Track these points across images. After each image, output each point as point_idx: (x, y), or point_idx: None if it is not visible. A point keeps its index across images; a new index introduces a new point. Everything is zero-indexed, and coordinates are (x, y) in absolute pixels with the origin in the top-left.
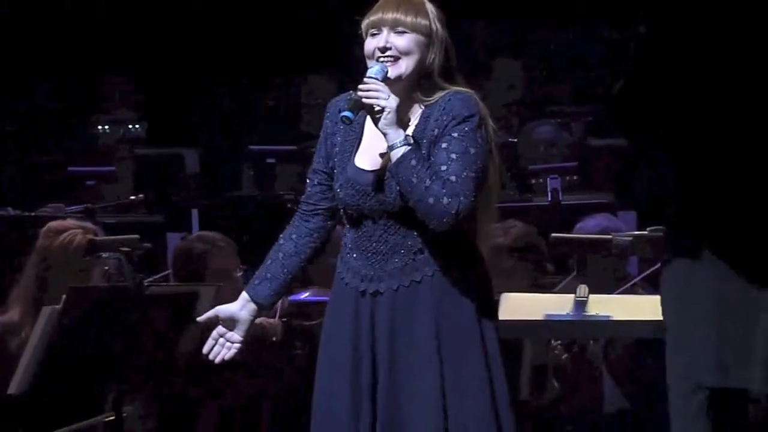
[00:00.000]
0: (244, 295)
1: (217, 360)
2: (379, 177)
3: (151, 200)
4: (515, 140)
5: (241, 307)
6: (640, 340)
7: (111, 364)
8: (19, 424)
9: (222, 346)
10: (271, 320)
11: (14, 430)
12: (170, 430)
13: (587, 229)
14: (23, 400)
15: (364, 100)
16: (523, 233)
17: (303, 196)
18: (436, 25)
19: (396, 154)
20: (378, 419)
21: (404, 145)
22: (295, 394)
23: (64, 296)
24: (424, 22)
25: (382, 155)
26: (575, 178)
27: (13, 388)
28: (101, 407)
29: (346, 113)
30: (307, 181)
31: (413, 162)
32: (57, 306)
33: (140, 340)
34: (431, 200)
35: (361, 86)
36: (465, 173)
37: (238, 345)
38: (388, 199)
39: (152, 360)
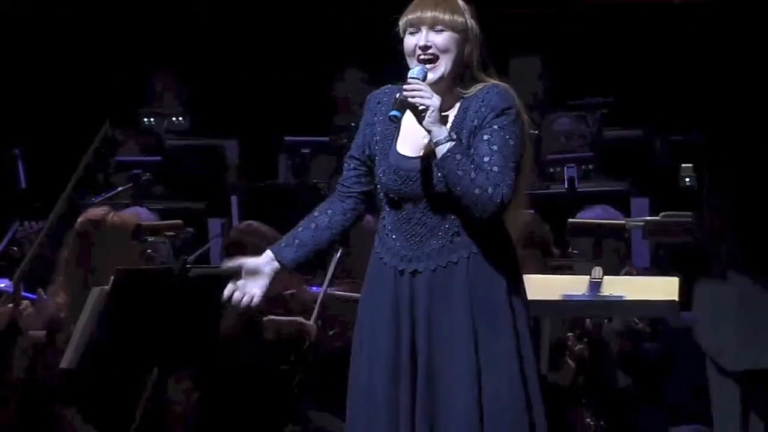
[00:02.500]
0: (269, 252)
1: (234, 303)
2: (420, 162)
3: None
4: (536, 132)
5: (265, 263)
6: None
7: (156, 342)
8: (69, 397)
9: (242, 294)
10: (309, 322)
11: (64, 402)
12: (211, 404)
13: (587, 218)
14: (74, 375)
15: (409, 99)
16: (529, 223)
17: (340, 179)
18: (471, 22)
19: (441, 150)
20: (417, 389)
21: (448, 141)
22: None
23: (112, 278)
24: (460, 19)
25: (422, 142)
26: (590, 166)
27: (64, 363)
28: (145, 382)
29: (394, 112)
30: (344, 165)
31: (458, 156)
32: (105, 287)
33: (184, 318)
34: (477, 191)
35: (405, 87)
36: (506, 164)
37: (255, 297)
38: (429, 183)
39: (195, 337)
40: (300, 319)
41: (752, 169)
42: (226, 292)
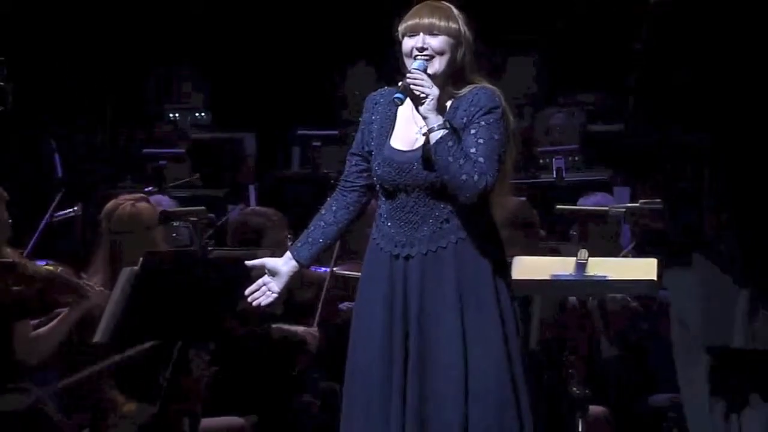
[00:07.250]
0: (287, 253)
1: (254, 303)
2: (413, 156)
3: (209, 177)
4: (526, 125)
5: (284, 263)
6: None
7: (179, 317)
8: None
9: (262, 294)
10: (311, 330)
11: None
12: (231, 378)
13: (588, 204)
14: (106, 347)
15: (411, 86)
16: (518, 207)
17: (342, 175)
18: (464, 28)
19: (435, 136)
20: (409, 362)
21: (442, 128)
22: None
23: (141, 259)
24: (454, 26)
25: (414, 138)
26: (576, 158)
27: (97, 337)
28: (170, 354)
29: (399, 95)
30: (346, 161)
31: (450, 143)
32: (135, 267)
33: (205, 296)
34: (464, 177)
35: (408, 75)
36: (491, 155)
37: (275, 295)
38: (420, 175)
39: (214, 314)
40: (304, 333)
41: (753, 169)
42: (248, 290)
